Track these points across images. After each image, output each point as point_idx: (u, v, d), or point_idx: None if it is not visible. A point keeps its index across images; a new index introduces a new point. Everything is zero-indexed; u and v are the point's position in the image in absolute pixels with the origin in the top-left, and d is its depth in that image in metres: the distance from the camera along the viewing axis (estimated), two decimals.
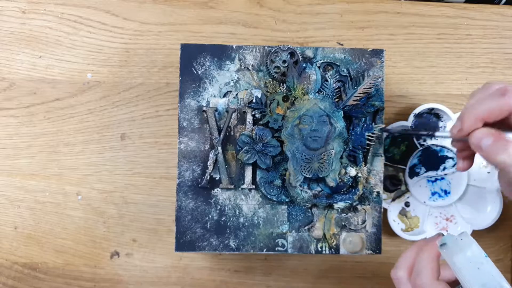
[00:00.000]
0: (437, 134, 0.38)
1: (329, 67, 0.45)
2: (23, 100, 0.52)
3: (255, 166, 0.44)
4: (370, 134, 0.44)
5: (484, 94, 0.34)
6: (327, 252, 0.44)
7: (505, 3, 0.55)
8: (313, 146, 0.43)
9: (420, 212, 0.52)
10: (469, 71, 0.53)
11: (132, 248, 0.52)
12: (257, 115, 0.44)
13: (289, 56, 0.45)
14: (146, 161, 0.52)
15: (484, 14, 0.54)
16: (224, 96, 0.45)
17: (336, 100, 0.44)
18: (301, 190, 0.43)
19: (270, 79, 0.45)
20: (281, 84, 0.44)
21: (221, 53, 0.45)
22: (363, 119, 0.44)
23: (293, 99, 0.44)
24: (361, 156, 0.45)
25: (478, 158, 0.52)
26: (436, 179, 0.52)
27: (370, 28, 0.53)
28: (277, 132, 0.44)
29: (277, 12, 0.53)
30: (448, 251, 0.33)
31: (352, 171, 0.44)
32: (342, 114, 0.43)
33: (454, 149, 0.37)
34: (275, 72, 0.44)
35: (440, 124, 0.51)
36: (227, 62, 0.45)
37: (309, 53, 0.45)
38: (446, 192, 0.52)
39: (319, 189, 0.44)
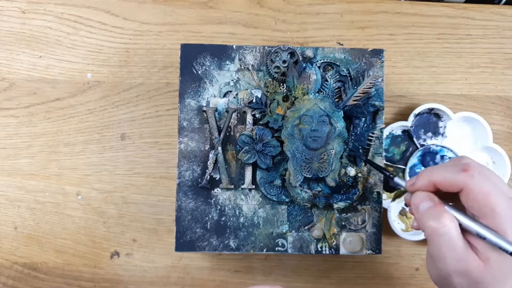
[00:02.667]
0: (395, 179, 0.39)
1: (329, 67, 0.45)
2: (23, 100, 0.52)
3: (255, 166, 0.44)
4: (370, 134, 0.44)
5: (451, 163, 0.34)
6: (327, 252, 0.44)
7: (505, 3, 0.55)
8: (313, 146, 0.43)
9: None
10: (469, 71, 0.53)
11: (132, 248, 0.52)
12: (257, 115, 0.44)
13: (289, 56, 0.45)
14: (146, 161, 0.52)
15: (484, 14, 0.54)
16: (224, 96, 0.45)
17: (336, 100, 0.44)
18: (301, 190, 0.43)
19: (270, 79, 0.45)
20: (281, 84, 0.45)
21: (221, 53, 0.45)
22: (363, 119, 0.44)
23: (293, 99, 0.44)
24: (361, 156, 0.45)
25: (478, 158, 0.52)
26: None
27: (370, 28, 0.53)
28: (277, 132, 0.44)
29: (277, 12, 0.53)
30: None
31: (352, 171, 0.44)
32: (342, 114, 0.43)
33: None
34: (275, 72, 0.44)
35: (440, 124, 0.52)
36: (227, 62, 0.45)
37: (309, 53, 0.45)
38: None
39: (319, 189, 0.44)
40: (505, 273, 0.31)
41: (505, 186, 0.33)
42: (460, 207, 0.33)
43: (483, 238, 0.31)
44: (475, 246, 0.32)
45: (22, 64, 0.52)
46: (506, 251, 0.30)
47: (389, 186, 0.51)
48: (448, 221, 0.32)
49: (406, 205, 0.37)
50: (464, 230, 0.33)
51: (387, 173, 0.39)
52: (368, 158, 0.44)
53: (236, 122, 0.45)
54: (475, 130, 0.51)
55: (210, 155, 0.44)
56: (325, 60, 0.45)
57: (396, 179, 0.38)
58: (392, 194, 0.52)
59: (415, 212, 0.34)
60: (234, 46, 0.45)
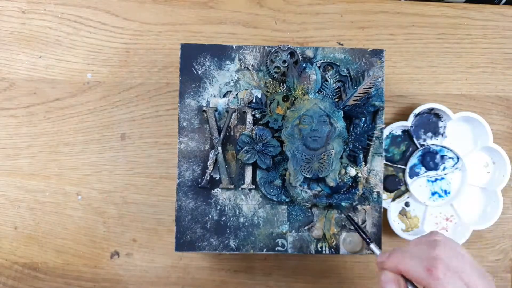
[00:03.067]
0: (371, 246, 0.40)
1: (329, 67, 0.45)
2: (23, 100, 0.52)
3: (255, 166, 0.44)
4: (370, 134, 0.44)
5: (419, 253, 0.34)
6: (327, 252, 0.44)
7: (505, 3, 0.55)
8: (313, 146, 0.43)
9: (420, 212, 0.52)
10: (469, 71, 0.53)
11: (132, 248, 0.52)
12: (257, 115, 0.44)
13: (289, 56, 0.45)
14: (146, 161, 0.52)
15: (484, 14, 0.54)
16: (224, 96, 0.45)
17: (336, 100, 0.44)
18: (301, 190, 0.43)
19: (270, 79, 0.45)
20: (281, 84, 0.44)
21: (221, 53, 0.45)
22: (363, 119, 0.44)
23: (293, 99, 0.44)
24: (361, 156, 0.45)
25: (478, 158, 0.52)
26: (436, 179, 0.52)
27: (370, 28, 0.53)
28: (277, 132, 0.44)
29: (277, 12, 0.53)
30: None
31: (352, 171, 0.44)
32: (342, 114, 0.43)
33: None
34: (275, 72, 0.44)
35: (440, 124, 0.52)
36: (227, 62, 0.45)
37: (309, 53, 0.45)
38: (446, 192, 0.52)
39: (319, 189, 0.44)
40: None
41: (476, 277, 0.33)
42: None
43: None
44: None
45: (22, 64, 0.52)
46: None
47: (389, 186, 0.51)
48: None
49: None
50: None
51: (365, 237, 0.41)
52: (348, 214, 0.44)
53: (236, 122, 0.45)
54: (475, 130, 0.51)
55: (210, 155, 0.44)
56: (325, 60, 0.45)
57: (372, 246, 0.40)
58: (392, 194, 0.52)
59: None
60: (234, 46, 0.45)
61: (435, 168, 0.51)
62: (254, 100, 0.44)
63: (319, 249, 0.44)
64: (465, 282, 0.32)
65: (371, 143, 0.44)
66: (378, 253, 0.39)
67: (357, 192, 0.44)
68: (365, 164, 0.44)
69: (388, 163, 0.51)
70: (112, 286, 0.52)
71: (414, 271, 0.33)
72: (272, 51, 0.44)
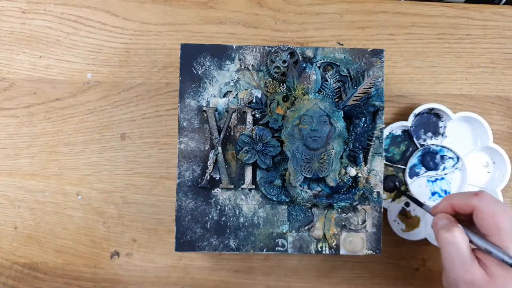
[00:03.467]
0: (424, 206, 0.45)
1: (329, 67, 0.45)
2: (23, 100, 0.52)
3: (255, 166, 0.44)
4: (370, 134, 0.44)
5: (467, 192, 0.40)
6: (327, 252, 0.44)
7: (505, 3, 0.55)
8: (313, 146, 0.43)
9: (420, 212, 0.52)
10: (469, 71, 0.53)
11: (132, 248, 0.52)
12: (257, 115, 0.44)
13: (289, 56, 0.45)
14: (146, 161, 0.52)
15: (484, 14, 0.54)
16: (224, 96, 0.45)
17: (336, 100, 0.44)
18: (301, 190, 0.43)
19: (270, 79, 0.45)
20: (281, 84, 0.44)
21: (221, 53, 0.45)
22: (363, 119, 0.44)
23: (293, 99, 0.44)
24: (361, 156, 0.45)
25: (478, 158, 0.52)
26: (436, 179, 0.52)
27: (370, 28, 0.53)
28: (277, 132, 0.44)
29: (277, 12, 0.53)
30: None
31: (352, 171, 0.44)
32: (342, 114, 0.43)
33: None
34: (275, 72, 0.44)
35: (440, 124, 0.52)
36: (227, 62, 0.45)
37: (309, 53, 0.45)
38: (446, 192, 0.52)
39: (319, 189, 0.44)
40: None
41: (511, 209, 0.37)
42: (474, 231, 0.38)
43: (489, 252, 0.36)
44: (483, 261, 0.36)
45: (22, 64, 0.52)
46: (508, 264, 0.34)
47: (389, 186, 0.51)
48: (458, 232, 0.37)
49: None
50: (474, 249, 0.37)
51: (420, 202, 0.46)
52: (403, 190, 0.50)
53: (236, 122, 0.45)
54: (475, 130, 0.51)
55: (210, 155, 0.44)
56: (325, 60, 0.45)
57: (425, 206, 0.45)
58: (392, 194, 0.52)
59: (434, 228, 0.39)
60: (234, 46, 0.45)
61: (435, 168, 0.51)
62: (254, 100, 0.44)
63: (319, 249, 0.44)
64: (503, 205, 0.37)
65: (371, 143, 0.44)
66: (429, 209, 0.43)
67: (357, 192, 0.44)
68: (365, 164, 0.45)
69: (388, 163, 0.51)
70: (112, 286, 0.52)
71: (464, 198, 0.39)
72: (272, 51, 0.44)
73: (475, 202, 0.38)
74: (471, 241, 0.37)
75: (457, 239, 0.36)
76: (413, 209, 0.52)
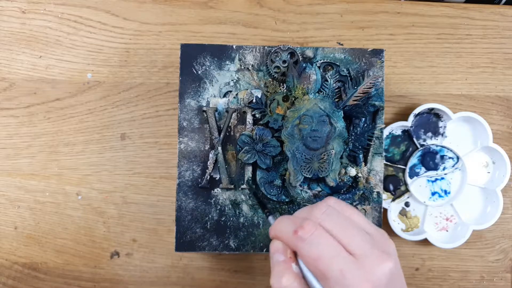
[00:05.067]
0: (269, 218, 0.37)
1: (329, 67, 0.45)
2: (23, 100, 0.52)
3: (255, 166, 0.44)
4: (370, 134, 0.44)
5: (294, 218, 0.33)
6: None
7: (505, 3, 0.55)
8: (313, 146, 0.43)
9: (420, 212, 0.52)
10: (469, 71, 0.53)
11: (132, 248, 0.52)
12: (257, 115, 0.44)
13: (289, 56, 0.45)
14: (146, 161, 0.52)
15: (484, 14, 0.54)
16: (224, 96, 0.45)
17: (336, 100, 0.44)
18: (301, 190, 0.43)
19: (270, 79, 0.45)
20: (281, 84, 0.44)
21: (221, 53, 0.45)
22: (363, 119, 0.44)
23: (293, 99, 0.44)
24: (361, 156, 0.45)
25: (478, 158, 0.52)
26: (436, 179, 0.52)
27: (370, 28, 0.53)
28: (277, 132, 0.44)
29: (277, 12, 0.53)
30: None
31: (352, 171, 0.44)
32: (342, 114, 0.43)
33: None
34: (275, 72, 0.44)
35: (440, 124, 0.52)
36: (227, 62, 0.45)
37: (309, 53, 0.45)
38: (446, 192, 0.52)
39: (319, 189, 0.44)
40: None
41: (356, 217, 0.32)
42: None
43: None
44: None
45: (22, 64, 0.52)
46: None
47: (389, 187, 0.51)
48: (289, 282, 0.30)
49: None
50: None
51: (265, 210, 0.39)
52: (252, 187, 0.44)
53: (236, 122, 0.45)
54: (475, 130, 0.51)
55: (210, 155, 0.44)
56: (325, 60, 0.45)
57: (270, 218, 0.37)
58: (392, 194, 0.52)
59: (271, 260, 0.33)
60: (234, 46, 0.45)
61: (435, 168, 0.51)
62: (254, 100, 0.44)
63: None
64: (338, 239, 0.30)
65: (371, 143, 0.44)
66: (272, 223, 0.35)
67: (357, 192, 0.44)
68: (365, 164, 0.44)
69: (388, 163, 0.51)
70: (112, 286, 0.52)
71: (284, 236, 0.32)
72: (272, 51, 0.44)
73: (295, 243, 0.31)
74: (304, 277, 0.32)
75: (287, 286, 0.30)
76: (413, 209, 0.52)
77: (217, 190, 0.44)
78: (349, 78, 0.45)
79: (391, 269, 0.30)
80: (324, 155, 0.43)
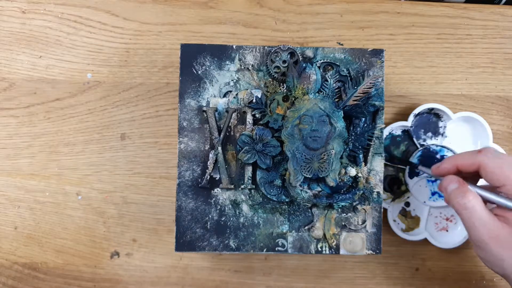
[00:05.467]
0: (420, 167, 0.46)
1: (329, 67, 0.45)
2: (23, 100, 0.52)
3: (255, 166, 0.44)
4: (370, 134, 0.44)
5: (470, 151, 0.41)
6: (327, 252, 0.44)
7: (505, 3, 0.55)
8: (313, 146, 0.43)
9: (420, 212, 0.52)
10: (469, 71, 0.53)
11: (132, 248, 0.52)
12: (257, 115, 0.44)
13: (289, 56, 0.45)
14: (146, 161, 0.52)
15: (484, 14, 0.54)
16: (224, 96, 0.45)
17: (336, 100, 0.44)
18: (301, 190, 0.43)
19: (270, 79, 0.45)
20: (281, 84, 0.44)
21: (221, 53, 0.45)
22: (363, 119, 0.44)
23: (293, 99, 0.44)
24: (361, 156, 0.45)
25: None
26: (436, 179, 0.52)
27: (370, 28, 0.53)
28: (277, 132, 0.44)
29: (277, 12, 0.53)
30: None
31: (352, 171, 0.44)
32: (342, 114, 0.43)
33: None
34: (275, 72, 0.44)
35: (440, 124, 0.52)
36: (227, 62, 0.45)
37: (309, 53, 0.45)
38: None
39: (319, 189, 0.44)
40: None
41: None
42: (482, 187, 0.39)
43: (505, 206, 0.37)
44: (501, 215, 0.38)
45: (22, 64, 0.52)
46: None
47: (389, 186, 0.51)
48: (472, 196, 0.37)
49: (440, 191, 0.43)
50: (488, 203, 0.39)
51: (413, 163, 0.46)
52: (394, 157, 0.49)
53: (236, 122, 0.45)
54: (475, 130, 0.51)
55: (210, 155, 0.44)
56: (325, 60, 0.45)
57: (420, 167, 0.45)
58: (392, 194, 0.52)
59: (444, 193, 0.40)
60: (234, 46, 0.45)
61: None
62: (254, 100, 0.44)
63: (319, 249, 0.44)
64: (507, 157, 0.38)
65: (371, 143, 0.44)
66: (429, 170, 0.44)
67: (357, 192, 0.44)
68: (365, 164, 0.44)
69: (388, 163, 0.51)
70: (112, 286, 0.52)
71: (468, 158, 0.39)
72: (272, 51, 0.44)
73: (480, 158, 0.38)
74: (483, 198, 0.38)
75: (473, 203, 0.37)
76: (413, 209, 0.52)
77: (217, 190, 0.44)
78: (349, 78, 0.45)
79: None
80: (324, 155, 0.43)
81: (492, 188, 0.39)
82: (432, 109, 0.50)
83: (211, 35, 0.53)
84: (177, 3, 0.53)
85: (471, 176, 0.41)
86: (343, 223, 0.44)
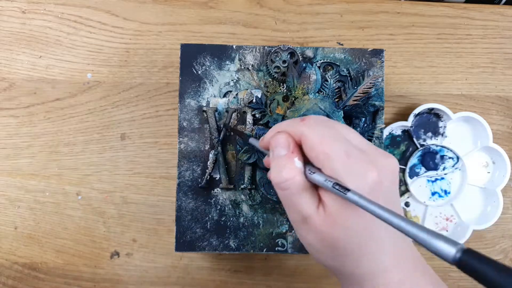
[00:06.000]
0: (250, 140, 0.38)
1: (329, 67, 0.45)
2: (23, 100, 0.52)
3: (255, 166, 0.44)
4: (370, 134, 0.44)
5: (295, 118, 0.33)
6: None
7: (505, 3, 0.55)
8: None
9: (420, 212, 0.52)
10: (469, 71, 0.53)
11: (132, 248, 0.52)
12: (257, 115, 0.44)
13: (289, 56, 0.45)
14: (146, 161, 0.52)
15: (484, 14, 0.54)
16: (224, 96, 0.45)
17: (336, 100, 0.44)
18: None
19: (270, 79, 0.45)
20: (281, 84, 0.44)
21: (221, 53, 0.45)
22: (363, 119, 0.44)
23: (293, 99, 0.44)
24: None
25: (478, 158, 0.52)
26: (436, 179, 0.52)
27: (370, 28, 0.53)
28: None
29: (277, 12, 0.53)
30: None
31: None
32: (342, 114, 0.43)
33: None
34: (275, 72, 0.44)
35: (440, 124, 0.52)
36: (227, 62, 0.45)
37: (309, 53, 0.45)
38: (446, 192, 0.52)
39: None
40: (351, 225, 0.29)
41: (353, 134, 0.31)
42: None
43: (324, 187, 0.29)
44: (323, 200, 0.30)
45: (22, 64, 0.52)
46: (336, 193, 0.28)
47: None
48: (289, 175, 0.30)
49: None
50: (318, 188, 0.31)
51: (244, 136, 0.40)
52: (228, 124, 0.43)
53: (236, 122, 0.45)
54: (475, 130, 0.51)
55: (210, 155, 0.44)
56: (325, 60, 0.45)
57: (251, 140, 0.37)
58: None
59: (271, 155, 0.32)
60: (234, 46, 0.45)
61: (435, 168, 0.51)
62: (254, 100, 0.44)
63: None
64: (334, 128, 0.31)
65: (371, 143, 0.44)
66: (257, 143, 0.36)
67: None
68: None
69: None
70: (112, 286, 0.52)
71: (291, 127, 0.31)
72: (272, 51, 0.44)
73: (300, 129, 0.30)
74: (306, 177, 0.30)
75: (289, 184, 0.30)
76: (413, 209, 0.52)
77: (217, 190, 0.44)
78: (349, 78, 0.45)
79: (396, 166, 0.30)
80: None
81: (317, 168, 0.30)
82: (432, 109, 0.50)
83: (211, 35, 0.53)
84: (177, 3, 0.53)
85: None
86: None
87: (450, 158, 0.51)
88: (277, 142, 0.31)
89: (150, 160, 0.52)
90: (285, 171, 0.30)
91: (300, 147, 0.31)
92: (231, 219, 0.44)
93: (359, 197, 0.27)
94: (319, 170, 0.30)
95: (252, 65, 0.45)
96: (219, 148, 0.44)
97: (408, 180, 0.51)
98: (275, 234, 0.44)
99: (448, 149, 0.51)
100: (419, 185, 0.52)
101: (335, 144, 0.29)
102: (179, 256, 0.52)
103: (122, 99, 0.52)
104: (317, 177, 0.29)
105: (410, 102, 0.53)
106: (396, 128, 0.51)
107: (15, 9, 0.53)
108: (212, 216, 0.44)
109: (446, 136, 0.52)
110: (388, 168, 0.30)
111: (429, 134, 0.52)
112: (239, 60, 0.45)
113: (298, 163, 0.30)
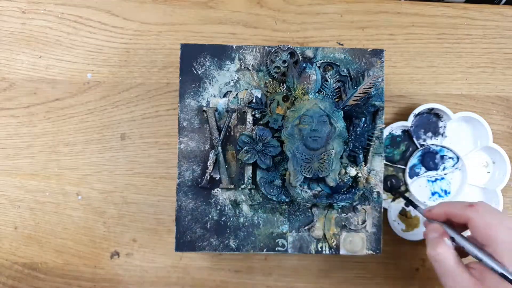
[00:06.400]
0: (418, 208, 0.45)
1: (329, 67, 0.45)
2: (23, 100, 0.52)
3: (255, 166, 0.44)
4: (370, 134, 0.44)
5: (462, 202, 0.41)
6: (327, 252, 0.44)
7: (505, 3, 0.55)
8: (313, 146, 0.43)
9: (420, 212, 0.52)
10: (469, 71, 0.53)
11: (132, 248, 0.52)
12: (257, 115, 0.44)
13: (289, 56, 0.45)
14: (146, 161, 0.52)
15: (484, 14, 0.54)
16: (224, 96, 0.45)
17: (336, 100, 0.44)
18: (301, 190, 0.43)
19: (270, 79, 0.45)
20: (281, 84, 0.44)
21: (221, 53, 0.45)
22: (363, 119, 0.44)
23: (293, 99, 0.44)
24: (361, 156, 0.45)
25: (478, 158, 0.52)
26: (436, 179, 0.52)
27: (370, 28, 0.53)
28: (277, 132, 0.44)
29: (277, 12, 0.53)
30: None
31: (352, 171, 0.44)
32: (342, 114, 0.43)
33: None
34: (275, 72, 0.44)
35: (440, 124, 0.51)
36: (227, 62, 0.45)
37: (309, 53, 0.45)
38: (446, 192, 0.52)
39: (319, 189, 0.44)
40: None
41: (507, 219, 0.37)
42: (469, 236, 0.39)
43: (479, 260, 0.36)
44: (479, 271, 0.37)
45: (22, 64, 0.52)
46: (497, 273, 0.35)
47: (389, 186, 0.51)
48: (442, 250, 0.38)
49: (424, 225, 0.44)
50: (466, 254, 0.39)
51: (413, 203, 0.46)
52: (401, 191, 0.51)
53: (236, 122, 0.45)
54: (475, 130, 0.51)
55: (210, 155, 0.44)
56: (325, 60, 0.45)
57: (419, 208, 0.45)
58: (391, 195, 0.52)
59: (425, 237, 0.41)
60: (234, 46, 0.45)
61: (435, 168, 0.51)
62: (254, 100, 0.44)
63: (319, 249, 0.44)
64: (501, 219, 0.37)
65: (371, 143, 0.44)
66: (422, 210, 0.44)
67: (357, 192, 0.44)
68: (365, 164, 0.44)
69: (388, 163, 0.51)
70: (112, 286, 0.52)
71: (459, 209, 0.39)
72: (272, 51, 0.44)
73: (469, 213, 0.38)
74: (463, 248, 0.38)
75: (442, 257, 0.38)
76: (413, 209, 0.52)
77: (217, 190, 0.44)
78: (349, 78, 0.45)
79: None
80: (324, 155, 0.43)
81: (480, 244, 0.38)
82: (432, 109, 0.50)
83: (211, 35, 0.53)
84: (177, 3, 0.53)
85: (463, 226, 0.40)
86: (343, 223, 0.44)
87: (450, 158, 0.51)
88: (432, 228, 0.41)
89: (150, 160, 0.52)
90: (439, 247, 0.38)
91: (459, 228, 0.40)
92: (231, 219, 0.44)
93: None
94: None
95: (252, 65, 0.45)
96: (219, 148, 0.44)
97: (408, 180, 0.51)
98: (275, 234, 0.44)
99: (448, 149, 0.51)
100: (419, 185, 0.52)
101: (501, 230, 0.36)
102: (179, 256, 0.52)
103: (122, 99, 0.52)
104: (476, 252, 0.37)
105: (410, 102, 0.53)
106: (396, 128, 0.51)
107: (15, 9, 0.53)
108: (212, 216, 0.44)
109: (446, 136, 0.52)
110: None
111: (429, 134, 0.52)
112: (239, 60, 0.45)
113: (448, 242, 0.39)
